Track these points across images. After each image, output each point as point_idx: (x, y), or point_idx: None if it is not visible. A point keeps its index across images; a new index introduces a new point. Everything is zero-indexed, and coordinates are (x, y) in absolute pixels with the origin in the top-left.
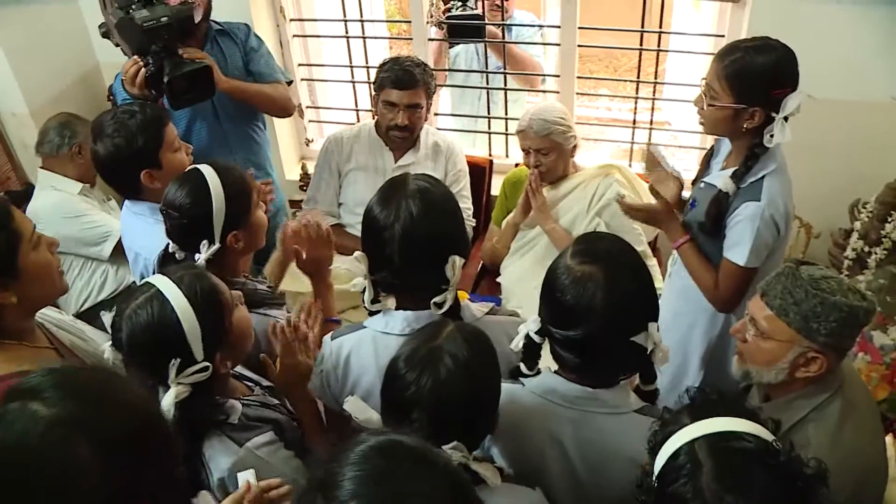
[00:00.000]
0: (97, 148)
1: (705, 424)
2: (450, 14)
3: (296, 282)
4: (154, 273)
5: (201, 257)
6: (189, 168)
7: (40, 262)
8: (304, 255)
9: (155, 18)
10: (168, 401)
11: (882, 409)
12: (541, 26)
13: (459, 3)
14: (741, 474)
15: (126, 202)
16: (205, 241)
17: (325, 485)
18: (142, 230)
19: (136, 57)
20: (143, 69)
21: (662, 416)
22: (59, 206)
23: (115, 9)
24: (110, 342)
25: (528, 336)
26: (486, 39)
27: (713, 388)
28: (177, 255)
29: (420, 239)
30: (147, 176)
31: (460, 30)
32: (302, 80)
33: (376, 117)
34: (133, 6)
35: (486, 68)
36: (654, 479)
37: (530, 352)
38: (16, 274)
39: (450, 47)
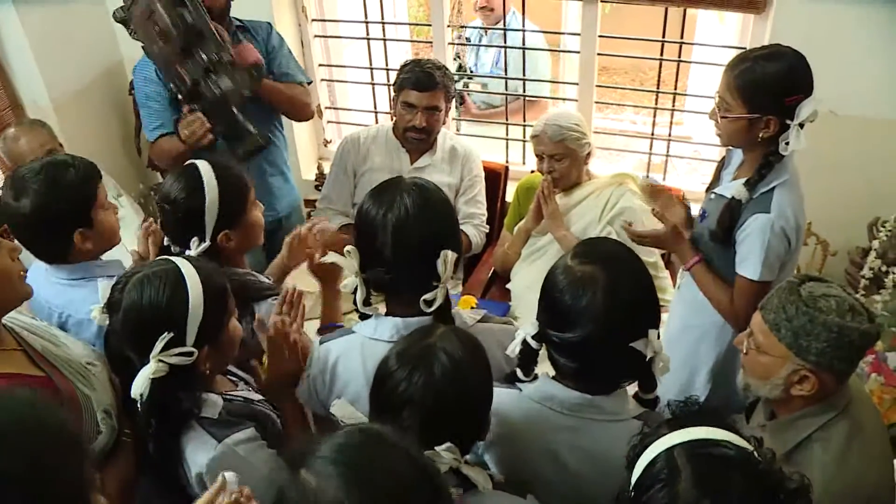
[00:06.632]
0: (19, 205)
1: (685, 433)
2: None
3: (301, 282)
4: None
5: (191, 254)
6: (187, 162)
7: None
8: (317, 259)
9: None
10: (143, 375)
11: (894, 433)
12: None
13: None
14: (720, 481)
15: (47, 270)
16: (195, 238)
17: (298, 463)
18: (82, 297)
19: (201, 115)
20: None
21: (642, 430)
22: None
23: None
24: (103, 304)
25: (524, 342)
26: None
27: (695, 401)
28: (172, 248)
29: (412, 230)
30: (80, 236)
31: None
32: (322, 80)
33: (394, 119)
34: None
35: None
36: (630, 489)
37: (527, 358)
38: None
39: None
